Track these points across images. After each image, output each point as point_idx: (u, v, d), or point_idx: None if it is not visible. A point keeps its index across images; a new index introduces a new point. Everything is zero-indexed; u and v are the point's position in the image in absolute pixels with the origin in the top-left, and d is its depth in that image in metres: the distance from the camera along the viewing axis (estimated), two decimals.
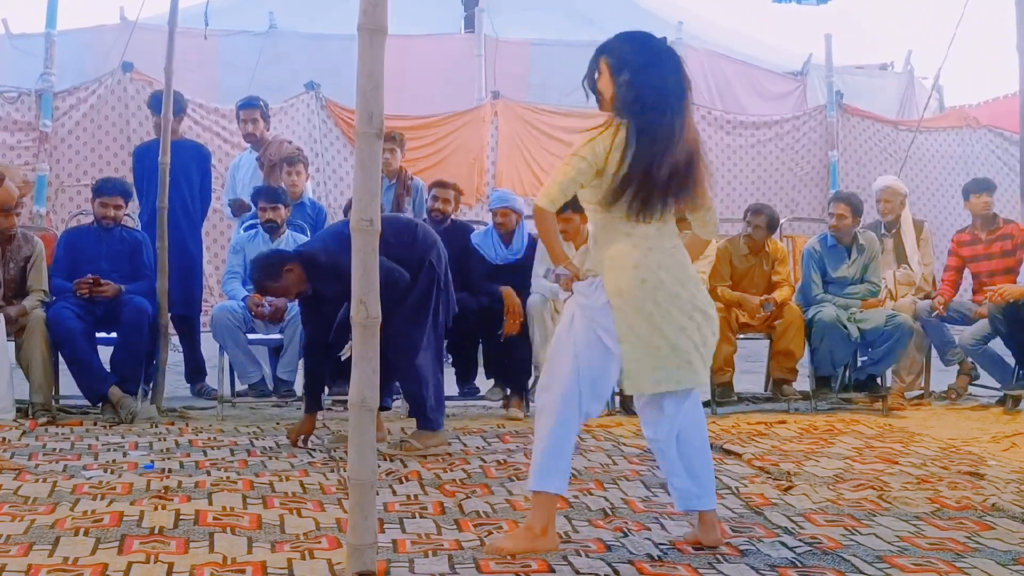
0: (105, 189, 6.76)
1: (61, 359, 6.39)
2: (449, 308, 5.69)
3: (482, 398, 6.93)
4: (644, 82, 3.54)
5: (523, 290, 6.74)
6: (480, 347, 6.97)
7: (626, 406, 6.78)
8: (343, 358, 5.53)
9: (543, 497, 3.63)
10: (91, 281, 6.41)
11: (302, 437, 5.62)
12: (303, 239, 7.09)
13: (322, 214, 7.83)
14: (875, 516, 4.14)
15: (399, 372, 5.52)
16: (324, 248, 5.43)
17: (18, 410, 6.23)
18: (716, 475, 4.78)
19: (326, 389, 6.54)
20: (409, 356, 5.42)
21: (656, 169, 3.51)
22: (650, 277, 3.55)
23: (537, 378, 6.67)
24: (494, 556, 3.51)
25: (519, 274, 6.85)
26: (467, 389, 6.97)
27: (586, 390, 3.67)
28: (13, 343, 6.36)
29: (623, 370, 3.61)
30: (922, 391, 7.48)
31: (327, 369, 5.76)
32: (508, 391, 6.79)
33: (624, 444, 5.62)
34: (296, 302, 5.95)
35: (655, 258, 3.57)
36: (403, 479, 4.72)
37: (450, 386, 6.81)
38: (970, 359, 7.27)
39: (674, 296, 3.57)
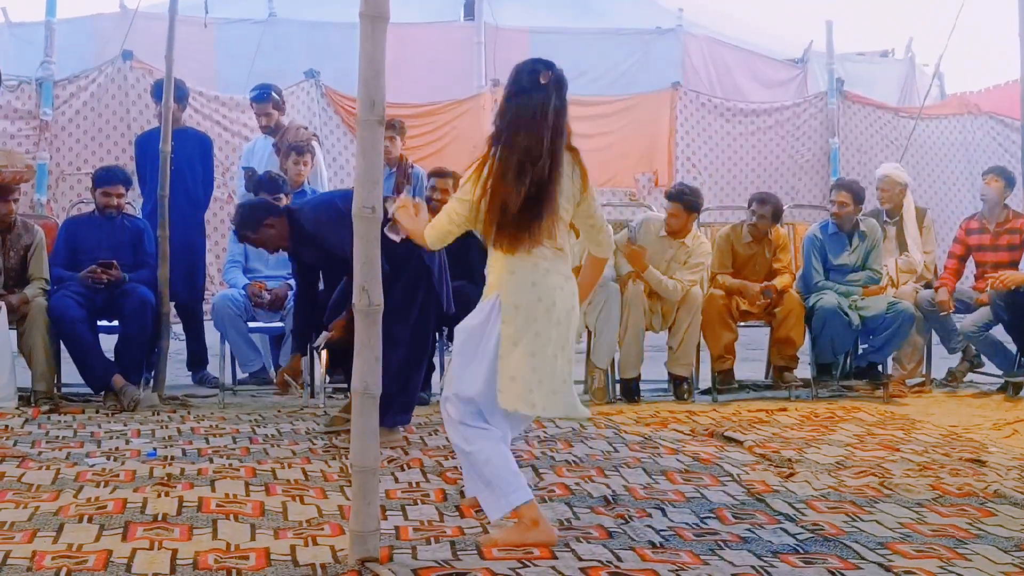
0: (106, 178, 6.75)
1: (63, 347, 6.40)
2: (439, 307, 5.46)
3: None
4: (506, 112, 3.57)
5: None
6: None
7: (627, 394, 6.80)
8: (318, 348, 5.52)
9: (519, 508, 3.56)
10: (100, 267, 6.40)
11: (290, 379, 5.72)
12: None
13: None
14: (877, 503, 4.15)
15: None
16: (314, 215, 5.39)
17: (20, 398, 6.24)
18: (717, 462, 4.83)
19: (327, 377, 6.57)
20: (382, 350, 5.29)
21: (510, 201, 3.50)
22: (545, 297, 3.55)
23: None
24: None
25: None
26: None
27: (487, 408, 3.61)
28: (15, 331, 6.36)
29: (499, 387, 3.54)
30: (923, 378, 7.48)
31: (315, 321, 5.70)
32: None
33: (625, 432, 5.63)
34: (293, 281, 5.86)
35: (552, 280, 3.58)
36: (405, 466, 4.73)
37: None
38: (973, 346, 7.28)
39: (558, 323, 3.58)
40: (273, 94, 7.71)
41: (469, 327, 3.66)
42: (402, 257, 5.18)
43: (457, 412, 3.60)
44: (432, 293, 5.38)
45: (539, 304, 3.55)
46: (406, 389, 5.32)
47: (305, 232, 5.34)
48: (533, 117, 3.51)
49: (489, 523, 3.71)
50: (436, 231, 3.70)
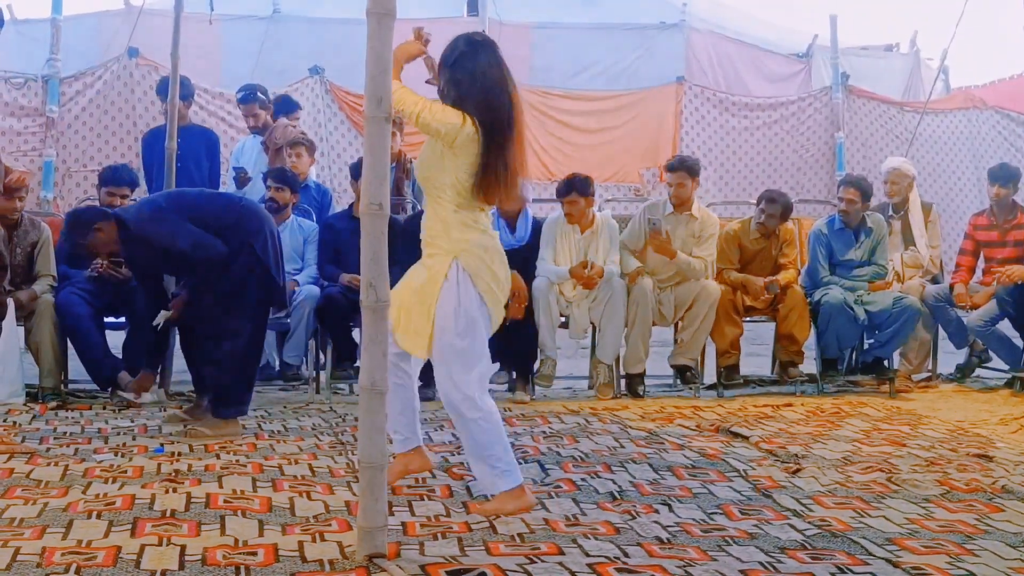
0: (111, 178, 6.73)
1: (70, 344, 6.41)
2: (274, 298, 5.57)
3: (488, 382, 6.90)
4: (460, 74, 3.82)
5: (528, 275, 6.74)
6: None
7: (632, 390, 6.80)
8: (157, 326, 5.58)
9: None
10: (108, 262, 6.40)
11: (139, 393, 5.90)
12: (309, 224, 7.11)
13: (327, 197, 7.83)
14: (884, 498, 4.15)
15: (203, 354, 5.44)
16: (137, 215, 5.40)
17: (28, 394, 6.25)
18: (723, 458, 4.83)
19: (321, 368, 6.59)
20: (217, 340, 5.32)
21: (503, 159, 3.81)
22: (495, 259, 3.89)
23: (543, 361, 6.71)
24: (483, 517, 3.78)
25: (524, 259, 6.84)
26: None
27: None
28: (22, 328, 6.38)
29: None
30: (929, 373, 7.48)
31: (164, 338, 5.84)
32: (514, 374, 6.79)
33: (631, 427, 5.63)
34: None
35: (494, 242, 3.92)
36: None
37: None
38: (979, 340, 7.27)
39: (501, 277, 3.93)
40: (259, 94, 7.79)
41: (470, 310, 3.82)
42: (235, 249, 5.27)
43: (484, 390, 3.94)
44: (265, 285, 5.41)
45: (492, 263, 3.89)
46: (245, 380, 5.42)
47: (131, 233, 5.30)
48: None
49: (494, 518, 3.73)
50: (408, 103, 3.79)
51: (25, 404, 6.09)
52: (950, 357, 7.75)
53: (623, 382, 6.88)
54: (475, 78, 3.80)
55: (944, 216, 10.51)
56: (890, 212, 7.66)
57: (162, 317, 5.58)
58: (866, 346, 7.28)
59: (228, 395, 5.36)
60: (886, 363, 7.16)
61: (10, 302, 6.19)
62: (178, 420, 5.54)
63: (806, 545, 3.51)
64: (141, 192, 7.46)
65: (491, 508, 3.87)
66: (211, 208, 5.44)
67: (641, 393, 6.78)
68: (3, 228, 6.34)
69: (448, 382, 3.88)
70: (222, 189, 8.03)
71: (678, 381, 7.05)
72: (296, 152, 7.52)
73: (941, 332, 7.46)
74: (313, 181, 7.70)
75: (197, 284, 5.38)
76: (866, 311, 6.95)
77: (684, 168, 7.01)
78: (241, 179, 7.69)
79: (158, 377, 6.64)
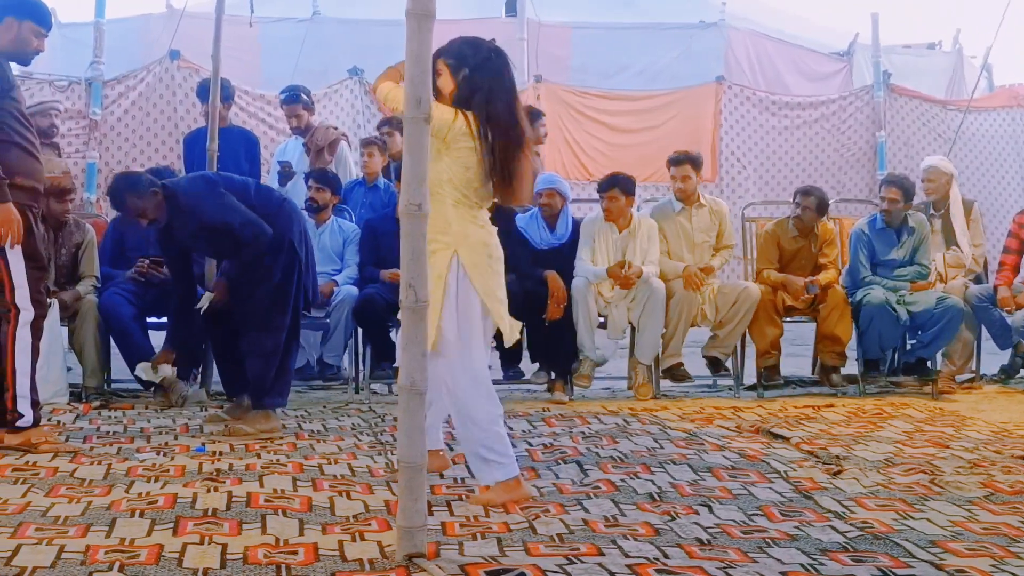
0: None
1: (113, 344, 6.48)
2: (308, 295, 5.60)
3: (527, 382, 6.94)
4: (482, 77, 4.00)
5: (567, 274, 6.74)
6: (524, 331, 6.97)
7: (675, 376, 6.83)
8: (201, 310, 5.59)
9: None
10: (149, 263, 6.47)
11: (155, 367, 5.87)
12: (349, 225, 7.14)
13: (394, 199, 7.86)
14: (927, 500, 4.10)
15: (248, 343, 5.42)
16: (189, 187, 5.45)
17: (71, 394, 6.34)
18: (764, 459, 4.80)
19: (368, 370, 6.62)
20: (262, 333, 5.35)
21: (511, 156, 3.99)
22: (493, 253, 4.05)
23: (581, 362, 6.71)
24: (482, 506, 3.92)
25: (563, 258, 6.85)
26: (512, 372, 6.98)
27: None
28: (66, 328, 6.46)
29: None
30: (973, 374, 7.39)
31: (195, 327, 5.81)
32: (553, 375, 6.79)
33: (670, 428, 5.61)
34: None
35: (493, 239, 4.08)
36: (451, 461, 4.74)
37: (495, 370, 6.84)
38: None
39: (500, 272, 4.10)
40: (302, 95, 7.83)
41: (467, 305, 3.96)
42: (275, 243, 5.32)
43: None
44: (303, 277, 5.47)
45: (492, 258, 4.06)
46: (282, 373, 5.45)
47: (180, 205, 5.31)
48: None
49: (534, 519, 3.73)
50: (402, 101, 3.85)
51: (69, 403, 6.18)
52: (993, 358, 7.66)
53: (661, 381, 6.88)
54: (497, 82, 4.02)
55: (988, 215, 10.38)
56: (930, 210, 7.58)
57: (206, 300, 5.59)
58: (908, 347, 7.21)
59: (271, 386, 5.41)
60: (929, 364, 7.08)
61: (54, 302, 6.27)
62: (219, 420, 5.59)
63: (848, 547, 3.48)
64: None
65: (484, 498, 3.99)
66: (256, 195, 5.50)
67: (686, 372, 6.86)
68: (49, 229, 6.42)
69: (449, 375, 3.98)
70: None
71: (710, 369, 7.08)
72: (368, 152, 7.56)
73: (984, 333, 7.37)
74: (383, 181, 7.69)
75: (244, 276, 5.40)
76: (908, 311, 6.88)
77: (689, 161, 7.06)
78: (285, 171, 7.73)
79: (198, 376, 6.71)
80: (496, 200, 4.10)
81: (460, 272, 3.96)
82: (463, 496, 4.13)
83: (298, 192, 7.43)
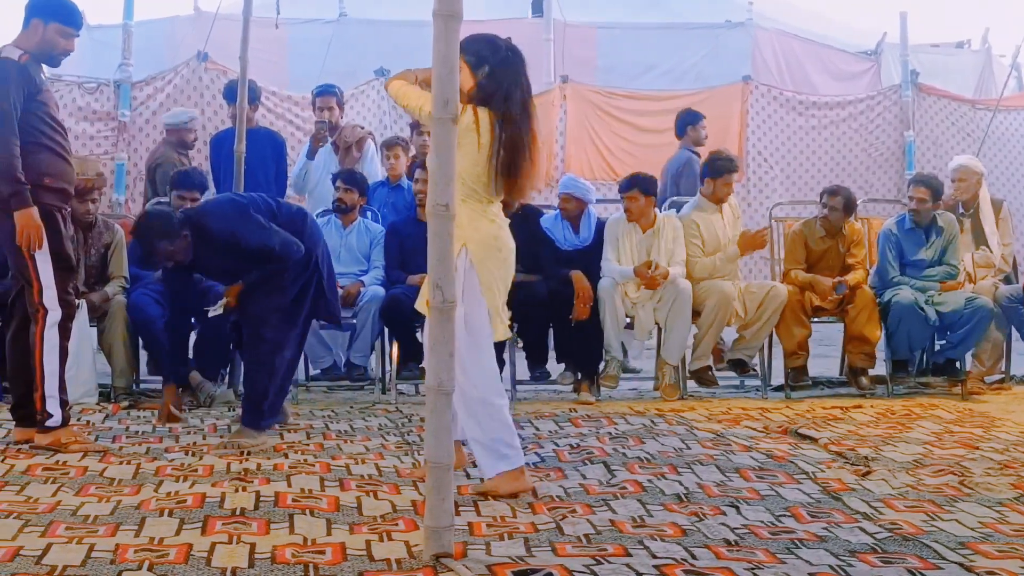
0: (183, 182, 6.78)
1: (142, 344, 6.52)
2: (330, 312, 5.57)
3: (553, 382, 6.93)
4: (503, 75, 4.08)
5: (593, 276, 6.73)
6: (551, 331, 6.97)
7: (703, 381, 6.83)
8: (210, 314, 5.53)
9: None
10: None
11: (175, 410, 5.67)
12: (376, 227, 7.15)
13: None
14: (956, 502, 4.08)
15: (254, 356, 5.32)
16: (219, 213, 5.30)
17: (100, 394, 6.38)
18: (791, 460, 4.78)
19: (393, 368, 6.62)
20: (271, 347, 5.26)
21: (518, 153, 4.06)
22: (503, 247, 4.14)
23: (607, 363, 6.70)
24: (486, 496, 4.04)
25: (588, 259, 6.83)
26: (538, 373, 6.97)
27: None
28: (95, 328, 6.51)
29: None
30: (1002, 375, 7.33)
31: (222, 330, 5.76)
32: (579, 375, 6.78)
33: (697, 428, 5.59)
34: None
35: (504, 232, 4.15)
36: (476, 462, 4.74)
37: (521, 370, 6.84)
38: None
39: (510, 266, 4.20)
40: (337, 90, 7.87)
41: (472, 301, 4.02)
42: (303, 259, 5.28)
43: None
44: (315, 298, 5.41)
45: (501, 252, 4.15)
46: (281, 391, 5.43)
47: (211, 235, 5.18)
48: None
49: (561, 519, 3.72)
50: (412, 98, 4.13)
51: (98, 403, 6.23)
52: (1023, 359, 7.59)
53: (690, 382, 6.85)
54: (515, 81, 4.10)
55: (1018, 215, 10.28)
56: (960, 210, 7.52)
57: (220, 305, 5.47)
58: (937, 347, 7.15)
59: (271, 405, 5.31)
60: (958, 365, 7.03)
61: (83, 303, 6.31)
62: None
63: (876, 548, 3.46)
64: (210, 195, 7.56)
65: (486, 488, 4.08)
66: (283, 213, 5.48)
67: (712, 378, 6.88)
68: (78, 230, 6.47)
69: (456, 366, 3.93)
70: (288, 191, 8.12)
71: (735, 370, 7.07)
72: (393, 153, 7.56)
73: (1015, 333, 7.30)
74: (407, 182, 7.67)
75: (260, 286, 5.34)
76: (937, 312, 6.82)
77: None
78: (320, 134, 7.68)
79: (227, 377, 6.72)
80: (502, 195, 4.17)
81: (467, 265, 4.02)
82: (490, 497, 4.13)
83: (324, 193, 7.44)
